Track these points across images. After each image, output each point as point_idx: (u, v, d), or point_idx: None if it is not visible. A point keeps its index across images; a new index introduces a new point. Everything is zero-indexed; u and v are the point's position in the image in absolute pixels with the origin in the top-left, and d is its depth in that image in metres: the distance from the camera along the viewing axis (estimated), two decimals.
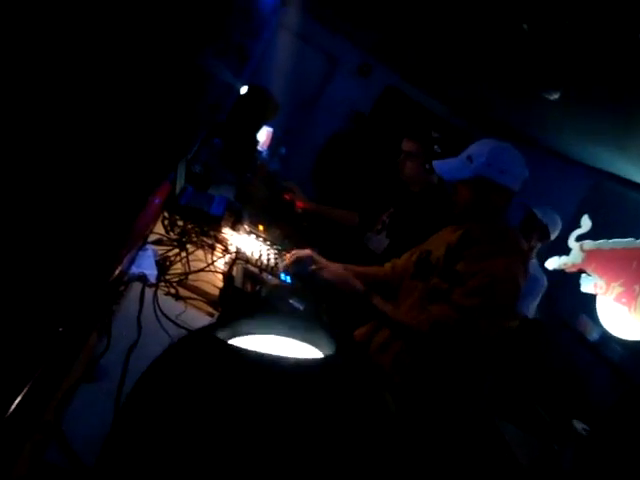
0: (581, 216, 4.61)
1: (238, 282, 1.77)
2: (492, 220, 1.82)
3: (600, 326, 4.11)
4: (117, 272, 1.41)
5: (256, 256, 2.04)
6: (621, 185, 4.30)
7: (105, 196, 1.53)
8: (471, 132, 5.90)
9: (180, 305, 1.60)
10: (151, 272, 1.64)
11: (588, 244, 4.46)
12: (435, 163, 1.85)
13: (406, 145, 2.48)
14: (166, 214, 2.18)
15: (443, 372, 1.85)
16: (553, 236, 3.43)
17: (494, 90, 3.95)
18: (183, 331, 1.40)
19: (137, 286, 1.53)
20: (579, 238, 4.60)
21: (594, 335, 4.16)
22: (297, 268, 1.94)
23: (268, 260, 2.08)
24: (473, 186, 1.77)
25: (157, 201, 1.99)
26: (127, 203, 1.83)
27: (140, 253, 1.68)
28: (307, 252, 1.97)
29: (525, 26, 2.44)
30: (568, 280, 4.55)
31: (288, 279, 2.00)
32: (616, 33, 1.98)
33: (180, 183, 2.36)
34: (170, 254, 1.90)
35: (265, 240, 2.24)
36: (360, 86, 5.74)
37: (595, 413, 3.47)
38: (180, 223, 2.18)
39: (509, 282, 1.69)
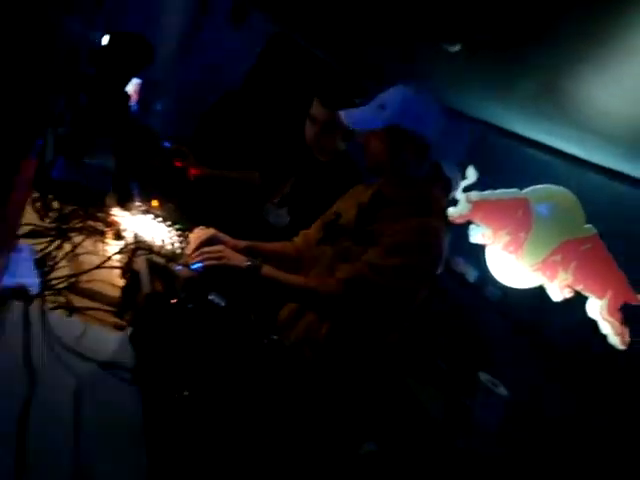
0: (467, 167, 4.69)
1: (145, 281, 1.43)
2: (406, 176, 1.67)
3: (476, 268, 4.28)
4: None
5: (158, 242, 1.70)
6: (506, 137, 4.40)
7: None
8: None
9: (77, 321, 1.25)
10: (32, 280, 1.25)
11: (474, 195, 4.56)
12: (343, 113, 1.66)
13: (323, 114, 2.06)
14: (36, 194, 1.74)
15: (359, 343, 1.67)
16: (453, 194, 3.43)
17: (389, 45, 3.77)
18: (93, 364, 1.07)
19: (16, 305, 1.15)
20: (466, 189, 4.69)
21: (473, 274, 4.33)
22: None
23: (173, 245, 1.74)
24: (386, 136, 1.60)
25: (25, 181, 1.56)
26: None
27: (13, 256, 1.27)
28: (210, 232, 1.69)
29: None
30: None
31: (199, 266, 1.69)
32: None
33: (49, 154, 1.91)
34: (50, 248, 1.50)
35: (164, 219, 1.89)
36: (236, 35, 5.24)
37: (493, 362, 3.61)
38: (56, 205, 1.76)
39: (430, 242, 1.55)
